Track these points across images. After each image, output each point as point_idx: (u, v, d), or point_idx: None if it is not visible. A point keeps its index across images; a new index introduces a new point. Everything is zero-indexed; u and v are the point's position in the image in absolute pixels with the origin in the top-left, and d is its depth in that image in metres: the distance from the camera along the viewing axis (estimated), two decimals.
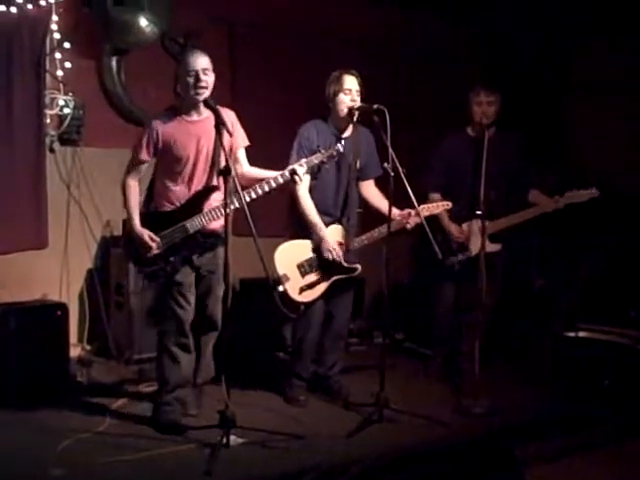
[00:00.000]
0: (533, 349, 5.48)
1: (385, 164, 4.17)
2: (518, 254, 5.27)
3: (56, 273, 5.34)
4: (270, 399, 4.61)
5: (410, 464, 3.82)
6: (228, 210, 3.78)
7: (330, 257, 4.38)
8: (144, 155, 4.00)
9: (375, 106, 4.20)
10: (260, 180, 4.04)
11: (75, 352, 5.00)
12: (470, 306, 4.73)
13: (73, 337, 5.18)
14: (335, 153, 4.14)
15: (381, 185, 4.49)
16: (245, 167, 4.18)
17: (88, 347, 5.11)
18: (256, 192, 4.01)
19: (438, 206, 4.59)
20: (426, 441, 4.02)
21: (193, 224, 4.00)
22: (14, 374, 4.48)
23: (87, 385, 4.81)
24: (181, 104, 4.00)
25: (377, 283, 4.40)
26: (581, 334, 5.24)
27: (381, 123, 4.14)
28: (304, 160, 4.12)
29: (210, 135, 3.97)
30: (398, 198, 4.24)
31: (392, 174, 4.13)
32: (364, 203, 4.66)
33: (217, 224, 4.05)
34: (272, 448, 3.81)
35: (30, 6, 5.12)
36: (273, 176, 4.05)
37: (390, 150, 4.14)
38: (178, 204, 4.03)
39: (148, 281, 4.34)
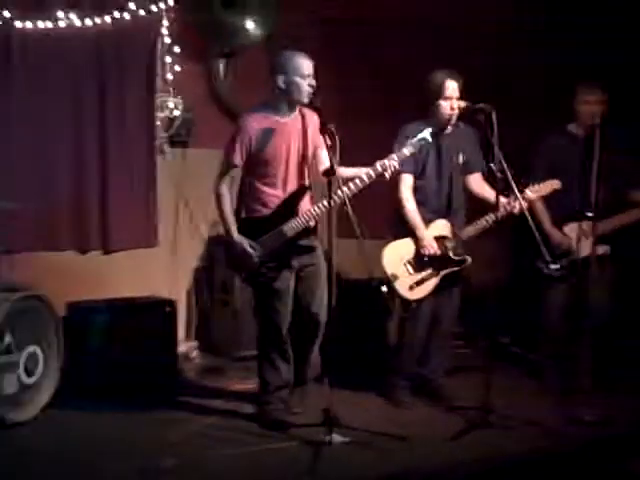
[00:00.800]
0: None
1: (491, 164, 4.10)
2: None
3: (165, 270, 5.50)
4: (373, 399, 4.59)
5: (516, 471, 3.73)
6: (328, 209, 3.79)
7: (426, 253, 4.34)
8: (237, 159, 3.96)
9: (480, 105, 4.14)
10: (345, 179, 3.97)
11: (182, 348, 5.12)
12: (583, 311, 4.59)
13: (181, 333, 5.34)
14: (424, 142, 4.08)
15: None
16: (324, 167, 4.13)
17: (195, 343, 5.23)
18: (350, 189, 3.94)
19: (546, 186, 4.42)
20: (534, 448, 3.91)
21: (291, 227, 3.99)
22: (124, 368, 4.61)
23: (194, 380, 4.95)
24: (276, 104, 3.99)
25: (483, 285, 4.32)
26: None
27: (486, 122, 4.07)
28: (395, 154, 4.06)
29: (300, 136, 3.98)
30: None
31: (499, 175, 4.06)
32: (473, 198, 4.59)
33: (313, 224, 4.05)
34: (374, 449, 3.79)
35: (142, 12, 5.29)
36: (365, 171, 3.99)
37: (496, 150, 4.07)
38: (273, 208, 4.00)
39: (249, 286, 4.29)
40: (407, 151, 4.07)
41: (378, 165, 4.00)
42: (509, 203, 4.29)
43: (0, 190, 4.62)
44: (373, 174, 3.99)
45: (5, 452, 3.72)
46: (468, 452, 3.81)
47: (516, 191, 4.15)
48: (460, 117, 4.41)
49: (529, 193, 4.32)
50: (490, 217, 4.33)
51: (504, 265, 5.41)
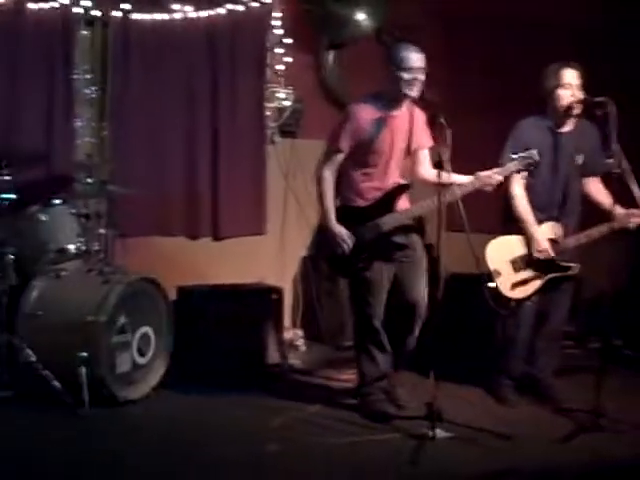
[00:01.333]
0: None
1: (609, 160, 3.96)
2: None
3: (272, 258, 5.59)
4: (478, 396, 4.53)
5: (625, 478, 3.61)
6: (437, 204, 3.74)
7: (539, 257, 4.23)
8: (343, 144, 3.93)
9: (598, 99, 4.00)
10: (436, 185, 3.84)
11: (288, 335, 5.18)
12: None
13: (287, 321, 5.42)
14: (532, 161, 3.98)
15: (605, 182, 4.28)
16: (424, 169, 4.09)
17: (300, 331, 5.28)
18: (451, 196, 3.86)
19: None
20: None
21: (387, 222, 3.95)
22: (231, 354, 4.71)
23: (299, 368, 5.01)
24: (385, 97, 3.95)
25: (596, 285, 4.18)
26: None
27: (604, 117, 3.93)
28: (498, 169, 3.99)
29: (405, 131, 3.95)
30: (627, 198, 4.02)
31: (617, 171, 3.92)
32: (588, 201, 4.44)
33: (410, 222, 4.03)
34: (478, 446, 3.73)
35: (254, 4, 5.36)
36: (464, 182, 3.93)
37: (615, 145, 3.92)
38: (370, 200, 3.97)
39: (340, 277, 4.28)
40: (513, 167, 4.00)
41: (476, 180, 3.94)
42: (627, 216, 4.14)
43: (117, 177, 4.79)
44: (471, 188, 3.93)
45: (117, 429, 3.85)
46: (576, 455, 3.70)
47: (636, 194, 3.99)
48: (582, 114, 4.26)
49: None
50: (604, 228, 4.19)
51: (622, 268, 5.20)
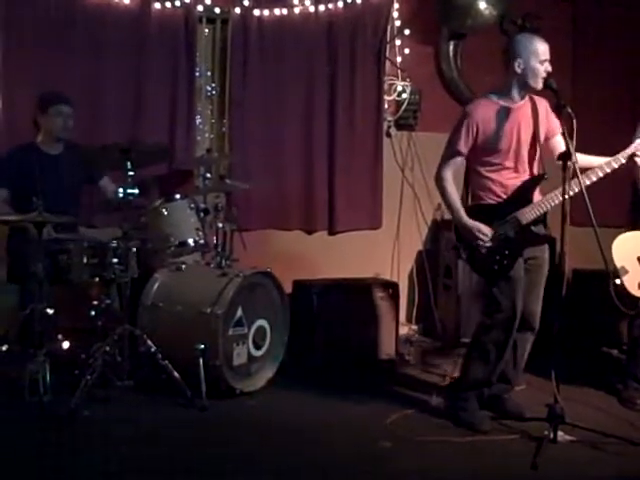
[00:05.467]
0: None
1: None
2: None
3: (388, 253, 5.55)
4: (602, 398, 4.34)
5: None
6: (566, 197, 3.58)
7: None
8: (462, 147, 3.82)
9: None
10: (582, 169, 3.70)
11: (403, 331, 5.13)
12: None
13: (402, 316, 5.36)
14: None
15: None
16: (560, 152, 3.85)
17: (416, 327, 5.23)
18: (589, 178, 3.73)
19: None
20: None
21: (526, 216, 3.79)
22: (345, 348, 4.72)
23: (414, 364, 4.95)
24: (508, 89, 3.81)
25: None
26: None
27: None
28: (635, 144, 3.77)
29: (529, 121, 3.79)
30: None
31: None
32: None
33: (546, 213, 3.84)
34: (603, 450, 3.57)
35: None
36: (606, 161, 3.76)
37: None
38: (504, 196, 3.83)
39: (481, 276, 3.99)
40: None
41: (621, 156, 3.76)
42: None
43: (235, 172, 4.86)
44: (616, 165, 3.75)
45: (233, 420, 3.90)
46: None
47: None
48: None
49: None
50: None
51: None
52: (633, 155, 3.80)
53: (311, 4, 5.25)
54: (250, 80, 5.19)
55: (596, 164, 3.80)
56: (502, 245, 3.78)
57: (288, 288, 4.74)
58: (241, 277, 4.16)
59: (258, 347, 4.28)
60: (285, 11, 5.23)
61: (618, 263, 4.07)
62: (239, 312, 4.16)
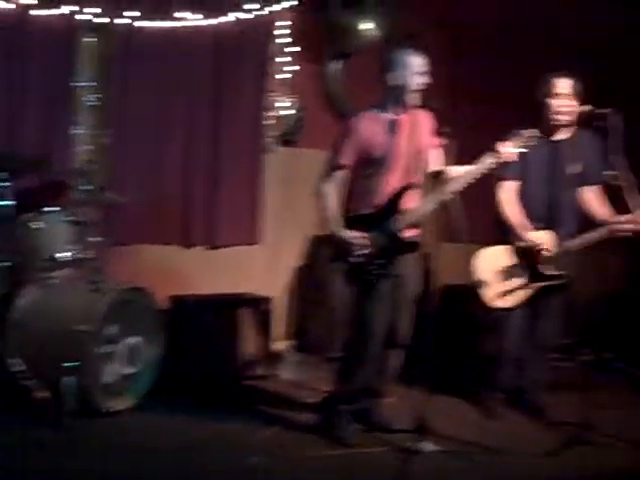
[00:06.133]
0: None
1: (609, 171, 3.91)
2: None
3: (265, 268, 5.56)
4: (467, 409, 4.50)
5: None
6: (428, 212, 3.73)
7: (543, 255, 4.20)
8: (344, 159, 3.88)
9: (599, 110, 3.97)
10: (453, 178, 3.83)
11: (277, 346, 5.16)
12: None
13: (276, 331, 5.37)
14: (533, 136, 3.90)
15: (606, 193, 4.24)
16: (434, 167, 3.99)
17: (290, 342, 5.25)
18: (457, 185, 3.79)
19: None
20: (634, 467, 3.73)
21: (399, 223, 3.86)
22: (220, 364, 4.73)
23: (287, 379, 4.98)
24: (385, 103, 3.90)
25: (587, 295, 4.12)
26: None
27: (604, 127, 3.88)
28: (499, 149, 3.87)
29: (410, 133, 3.89)
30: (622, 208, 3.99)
31: (616, 182, 3.87)
32: (584, 211, 4.40)
33: (413, 231, 3.94)
34: (466, 459, 3.72)
35: (260, 12, 5.36)
36: (467, 169, 3.85)
37: (617, 158, 3.87)
38: (378, 205, 3.89)
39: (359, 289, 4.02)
40: (511, 147, 3.89)
41: (479, 163, 3.85)
42: (618, 223, 4.10)
43: (114, 184, 4.80)
44: (482, 168, 3.84)
45: (101, 440, 3.82)
46: (564, 468, 3.68)
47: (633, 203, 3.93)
48: (583, 123, 4.24)
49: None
50: (595, 233, 4.17)
51: (615, 279, 5.13)
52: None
53: (199, 19, 5.23)
54: (132, 92, 5.11)
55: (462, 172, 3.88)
56: (377, 254, 3.85)
57: (165, 304, 4.70)
58: (114, 293, 4.11)
59: (131, 364, 4.23)
60: (171, 24, 5.20)
61: (479, 276, 4.26)
62: (111, 329, 4.09)
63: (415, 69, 3.81)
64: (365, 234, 3.83)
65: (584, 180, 4.34)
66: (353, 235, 3.83)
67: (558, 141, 4.29)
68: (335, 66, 5.68)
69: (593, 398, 3.91)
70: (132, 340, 4.23)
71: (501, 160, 3.85)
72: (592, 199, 4.37)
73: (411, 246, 3.96)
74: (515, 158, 3.88)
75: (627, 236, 4.13)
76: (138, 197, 4.85)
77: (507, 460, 3.74)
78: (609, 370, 5.33)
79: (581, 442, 3.88)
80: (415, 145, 3.92)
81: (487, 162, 3.83)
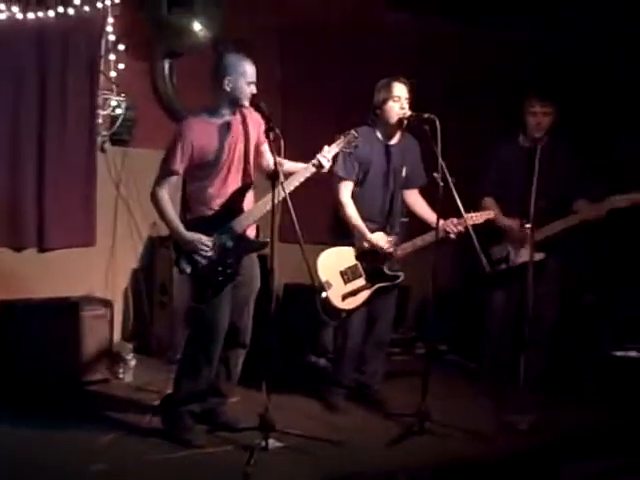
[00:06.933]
0: (580, 367, 5.37)
1: (435, 173, 4.13)
2: (569, 267, 5.15)
3: (102, 270, 5.41)
4: (310, 405, 4.58)
5: (451, 478, 3.76)
6: (270, 211, 3.76)
7: (386, 252, 4.37)
8: (177, 165, 3.84)
9: (426, 115, 4.17)
10: (287, 174, 3.91)
11: (118, 349, 5.02)
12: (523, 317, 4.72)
13: (117, 334, 5.26)
14: (353, 138, 4.06)
15: (431, 194, 4.45)
16: (266, 160, 4.08)
17: (130, 345, 5.14)
18: (291, 183, 3.88)
19: (481, 215, 4.45)
20: (468, 455, 3.94)
21: (241, 224, 3.89)
22: (55, 370, 4.54)
23: (128, 382, 4.87)
24: (216, 106, 3.92)
25: (421, 292, 4.35)
26: (631, 354, 5.12)
27: (431, 132, 4.10)
28: (326, 150, 4.01)
29: (241, 134, 3.93)
30: (447, 208, 4.20)
31: (441, 184, 4.09)
32: (409, 212, 4.63)
33: (251, 231, 4.01)
34: (310, 454, 3.79)
35: (87, 8, 5.19)
36: (300, 169, 3.96)
37: (440, 160, 4.10)
38: (217, 207, 3.91)
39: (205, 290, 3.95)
40: (337, 147, 4.03)
41: (311, 164, 3.95)
42: (446, 226, 4.31)
43: None
44: (308, 173, 3.94)
45: None
46: (403, 459, 3.83)
47: (460, 206, 4.16)
48: (406, 128, 4.45)
49: (466, 220, 4.26)
50: (427, 236, 4.37)
51: (446, 272, 5.45)
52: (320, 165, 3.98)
53: (19, 11, 4.99)
54: None
55: (296, 168, 3.98)
56: (223, 255, 3.86)
57: None
58: None
59: None
60: None
61: (323, 277, 4.36)
62: None
63: (248, 78, 3.86)
64: (207, 237, 3.84)
65: (409, 183, 4.57)
66: (197, 238, 3.82)
67: (390, 145, 4.48)
68: (165, 65, 5.60)
69: (429, 389, 4.12)
70: None
71: (325, 165, 3.95)
72: (417, 201, 4.61)
73: (255, 246, 4.00)
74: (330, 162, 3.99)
75: (455, 237, 4.37)
76: None
77: (349, 452, 3.85)
78: (443, 362, 5.63)
79: (418, 432, 4.07)
80: (247, 145, 3.97)
81: (310, 168, 3.94)
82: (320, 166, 3.96)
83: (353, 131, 4.09)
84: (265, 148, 4.05)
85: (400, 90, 4.36)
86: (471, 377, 5.19)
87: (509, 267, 4.84)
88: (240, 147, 3.95)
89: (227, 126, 3.90)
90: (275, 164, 3.73)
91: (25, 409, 4.21)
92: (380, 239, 4.42)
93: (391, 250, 4.40)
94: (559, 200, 4.75)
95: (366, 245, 4.41)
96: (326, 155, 3.98)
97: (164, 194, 3.88)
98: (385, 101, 4.38)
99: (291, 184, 3.89)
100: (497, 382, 4.92)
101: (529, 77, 5.96)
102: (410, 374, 4.87)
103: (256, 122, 3.98)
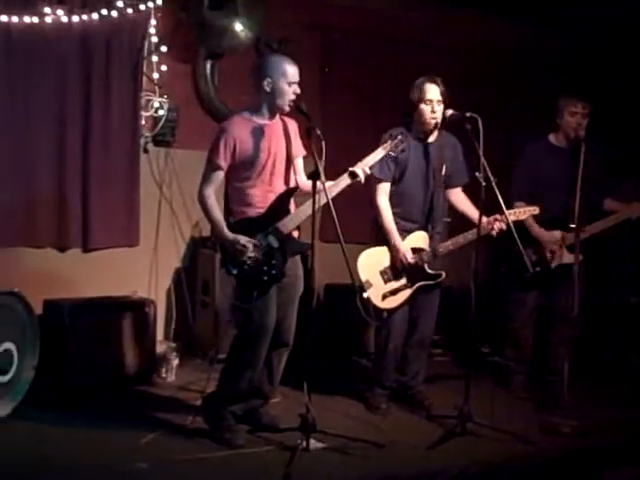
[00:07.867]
0: (627, 367, 5.28)
1: (477, 173, 4.10)
2: (614, 268, 5.08)
3: (146, 270, 5.46)
4: (351, 406, 4.58)
5: None
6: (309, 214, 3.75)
7: (401, 265, 4.34)
8: (222, 161, 3.86)
9: (467, 114, 4.14)
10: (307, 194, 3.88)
11: (161, 349, 5.08)
12: (557, 320, 4.64)
13: (160, 334, 5.31)
14: (400, 142, 4.03)
15: (473, 193, 4.41)
16: (299, 177, 4.06)
17: (173, 344, 5.18)
18: (329, 194, 3.80)
19: (525, 211, 4.42)
20: (510, 458, 3.90)
21: (286, 226, 3.88)
22: (100, 369, 4.60)
23: (171, 382, 4.92)
24: (258, 107, 3.93)
25: (464, 293, 4.30)
26: None
27: (473, 131, 4.06)
28: (365, 160, 3.99)
29: (282, 138, 3.94)
30: (489, 207, 4.16)
31: (483, 183, 4.05)
32: (451, 210, 4.59)
33: (294, 232, 3.99)
34: (352, 455, 3.78)
35: (130, 10, 5.25)
36: (336, 182, 3.91)
37: (482, 159, 4.06)
38: (263, 209, 3.91)
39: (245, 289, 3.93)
40: (378, 155, 4.01)
41: (346, 175, 3.92)
42: (490, 223, 4.27)
43: None
44: (342, 184, 3.91)
45: None
46: (445, 460, 3.80)
47: (502, 203, 4.12)
48: (448, 127, 4.41)
49: (509, 216, 4.21)
50: (469, 234, 4.32)
51: (486, 273, 5.40)
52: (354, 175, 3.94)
53: (64, 14, 5.06)
54: None
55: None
56: (267, 256, 3.86)
57: (39, 308, 4.53)
58: None
59: (3, 372, 4.03)
60: (36, 19, 4.99)
61: (363, 277, 4.35)
62: None
63: (289, 78, 3.85)
64: (252, 239, 3.84)
65: (451, 181, 4.53)
66: (241, 239, 3.82)
67: (429, 144, 4.44)
68: (207, 66, 5.64)
69: (471, 390, 4.08)
70: (5, 346, 4.04)
71: (360, 176, 3.90)
72: (459, 200, 4.57)
73: (302, 247, 4.00)
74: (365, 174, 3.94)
75: (496, 234, 4.33)
76: (8, 199, 4.62)
77: (391, 454, 3.82)
78: (486, 364, 5.53)
79: (460, 434, 4.04)
80: (287, 149, 3.96)
81: (346, 179, 3.89)
82: (355, 176, 3.92)
83: (400, 135, 4.07)
84: (299, 162, 4.04)
85: (432, 93, 4.33)
86: (511, 379, 5.11)
87: (544, 269, 4.77)
88: (279, 151, 3.95)
89: (262, 128, 3.91)
90: (316, 163, 3.70)
91: (70, 408, 4.27)
92: (417, 240, 4.40)
93: (414, 262, 4.36)
94: (589, 200, 4.66)
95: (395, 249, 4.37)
96: (363, 167, 3.94)
97: (210, 193, 3.90)
98: (418, 103, 4.36)
99: (333, 191, 3.86)
100: (537, 384, 4.86)
101: (563, 77, 5.92)
102: (453, 375, 4.83)
103: (294, 132, 3.99)
